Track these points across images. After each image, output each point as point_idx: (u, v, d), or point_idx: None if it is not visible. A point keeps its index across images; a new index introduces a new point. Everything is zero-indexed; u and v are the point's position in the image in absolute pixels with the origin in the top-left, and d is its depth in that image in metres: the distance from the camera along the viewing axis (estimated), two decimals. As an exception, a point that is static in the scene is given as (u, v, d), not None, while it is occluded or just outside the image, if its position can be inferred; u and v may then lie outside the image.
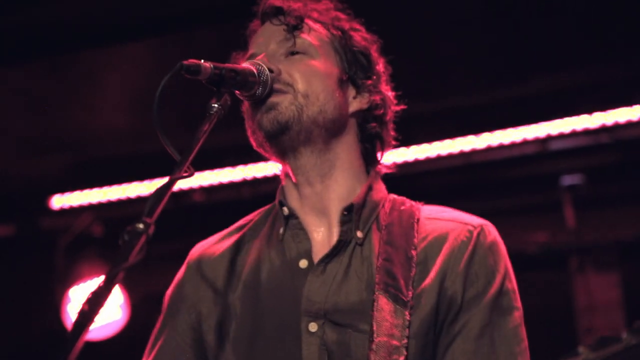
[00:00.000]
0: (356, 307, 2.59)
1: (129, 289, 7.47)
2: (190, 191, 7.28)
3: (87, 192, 7.47)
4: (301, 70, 2.72)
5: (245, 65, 2.62)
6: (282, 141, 2.68)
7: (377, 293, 2.56)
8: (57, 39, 5.89)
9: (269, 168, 6.72)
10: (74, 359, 1.96)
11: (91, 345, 7.32)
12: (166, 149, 2.55)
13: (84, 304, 2.08)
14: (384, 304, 2.55)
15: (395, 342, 2.50)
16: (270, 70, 2.64)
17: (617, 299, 7.47)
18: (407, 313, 2.54)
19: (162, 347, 2.87)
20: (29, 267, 7.84)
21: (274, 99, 2.66)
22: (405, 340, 2.51)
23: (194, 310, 2.83)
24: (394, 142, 2.93)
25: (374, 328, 2.51)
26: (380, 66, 2.90)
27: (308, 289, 2.63)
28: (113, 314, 7.41)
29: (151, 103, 6.52)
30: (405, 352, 2.49)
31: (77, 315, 2.05)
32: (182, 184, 7.21)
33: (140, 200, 7.40)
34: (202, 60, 2.51)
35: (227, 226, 3.02)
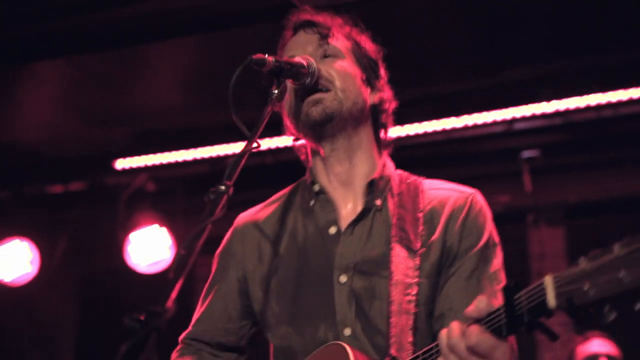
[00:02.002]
0: (379, 258, 2.64)
1: (175, 233, 7.47)
2: (225, 157, 7.24)
3: (143, 156, 7.50)
4: (337, 69, 2.76)
5: (297, 59, 2.65)
6: (326, 129, 2.72)
7: (393, 244, 2.63)
8: (124, 33, 5.91)
9: (287, 140, 6.75)
10: (176, 294, 1.96)
11: (147, 277, 7.45)
12: (237, 125, 2.50)
13: (181, 249, 2.10)
14: (399, 251, 2.61)
15: (409, 280, 2.57)
16: (317, 68, 2.69)
17: (562, 248, 7.56)
18: (417, 259, 2.60)
19: (214, 296, 2.92)
20: (97, 215, 7.89)
21: (319, 95, 2.70)
22: (417, 279, 2.58)
23: (241, 267, 2.88)
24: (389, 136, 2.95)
25: (392, 269, 2.58)
26: (383, 71, 2.94)
27: (341, 248, 2.68)
28: (163, 254, 7.42)
29: (198, 85, 6.43)
30: (417, 288, 2.57)
31: (175, 258, 2.09)
32: (218, 152, 7.23)
33: (186, 163, 7.43)
34: (266, 55, 2.53)
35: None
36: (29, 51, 6.09)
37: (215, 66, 5.82)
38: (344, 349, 2.43)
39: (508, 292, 1.99)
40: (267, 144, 6.97)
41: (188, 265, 2.06)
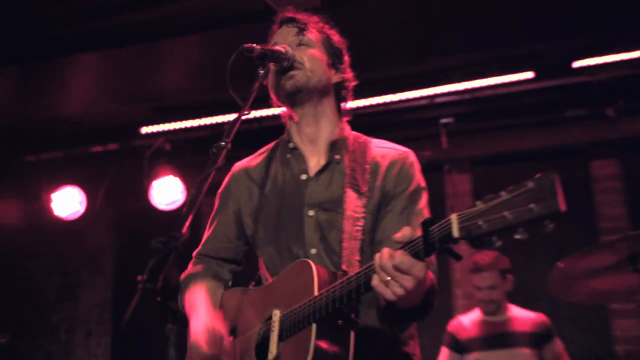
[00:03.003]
0: (336, 199, 2.65)
1: (185, 181, 7.42)
2: (223, 124, 7.17)
3: (161, 125, 7.42)
4: (307, 55, 2.75)
5: (277, 47, 2.67)
6: (297, 97, 2.73)
7: (347, 188, 2.64)
8: (145, 32, 5.90)
9: (270, 111, 6.69)
10: (188, 225, 1.99)
11: (164, 214, 7.43)
12: (233, 97, 2.53)
13: (192, 190, 2.12)
14: (350, 194, 2.62)
15: (357, 215, 2.59)
16: (292, 54, 2.70)
17: (469, 189, 7.58)
18: (364, 199, 2.61)
19: (217, 224, 2.94)
20: (127, 168, 7.83)
21: (293, 72, 2.69)
22: (363, 215, 2.59)
23: (236, 202, 2.89)
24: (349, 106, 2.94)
25: (345, 207, 2.59)
26: (346, 58, 2.91)
27: (310, 190, 2.70)
28: (177, 196, 7.37)
29: (202, 71, 6.30)
30: (363, 221, 2.58)
31: (189, 197, 2.11)
32: (217, 120, 7.16)
33: (193, 129, 7.33)
34: (254, 44, 2.57)
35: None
36: (74, 46, 6.05)
37: (215, 57, 5.77)
38: (309, 264, 2.45)
39: (425, 225, 2.03)
40: (253, 113, 6.85)
41: (197, 202, 2.08)
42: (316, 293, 2.35)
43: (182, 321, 2.01)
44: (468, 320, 5.79)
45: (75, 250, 8.80)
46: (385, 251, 2.10)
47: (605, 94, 6.38)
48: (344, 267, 2.49)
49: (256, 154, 2.99)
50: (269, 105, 2.91)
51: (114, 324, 8.47)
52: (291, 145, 2.81)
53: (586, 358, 6.51)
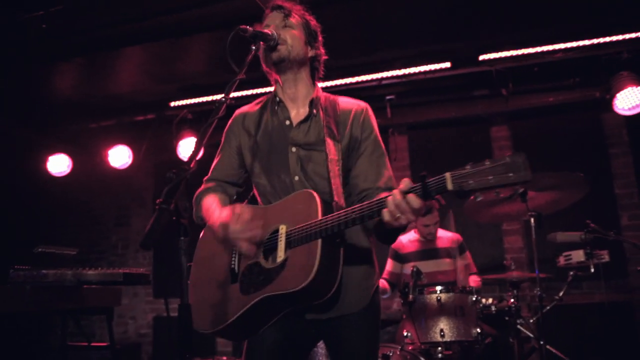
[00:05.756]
0: (315, 141, 2.47)
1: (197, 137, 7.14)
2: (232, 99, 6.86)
3: (185, 100, 7.03)
4: (290, 34, 2.53)
5: (266, 30, 2.44)
6: (281, 66, 2.52)
7: (325, 136, 2.44)
8: (171, 30, 5.54)
9: (263, 89, 6.40)
10: (195, 164, 1.81)
11: (180, 161, 7.16)
12: (231, 65, 2.26)
13: (198, 135, 1.92)
14: (329, 141, 2.43)
15: (337, 158, 2.40)
16: (277, 34, 2.48)
17: (406, 146, 7.40)
18: (339, 145, 2.43)
19: (223, 155, 2.71)
20: (161, 131, 7.52)
21: (278, 47, 2.47)
22: (340, 156, 2.41)
23: (237, 139, 2.66)
24: (322, 74, 2.71)
25: (327, 152, 2.40)
26: (320, 37, 2.68)
27: (292, 134, 2.50)
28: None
29: (215, 59, 5.87)
30: (341, 162, 2.40)
31: (194, 144, 1.91)
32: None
33: (208, 102, 6.91)
34: (248, 26, 2.33)
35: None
36: (122, 41, 5.69)
37: (222, 49, 5.48)
38: (313, 194, 2.29)
39: (421, 178, 1.95)
40: (251, 91, 6.43)
41: (202, 144, 1.92)
42: (320, 217, 2.22)
43: (191, 235, 1.81)
44: (406, 239, 5.76)
45: (126, 190, 8.61)
46: (397, 192, 2.01)
47: (500, 79, 6.24)
48: (335, 198, 2.35)
49: (252, 103, 2.78)
50: (262, 85, 2.70)
51: (154, 242, 8.43)
52: (278, 99, 2.62)
53: (487, 264, 6.48)
